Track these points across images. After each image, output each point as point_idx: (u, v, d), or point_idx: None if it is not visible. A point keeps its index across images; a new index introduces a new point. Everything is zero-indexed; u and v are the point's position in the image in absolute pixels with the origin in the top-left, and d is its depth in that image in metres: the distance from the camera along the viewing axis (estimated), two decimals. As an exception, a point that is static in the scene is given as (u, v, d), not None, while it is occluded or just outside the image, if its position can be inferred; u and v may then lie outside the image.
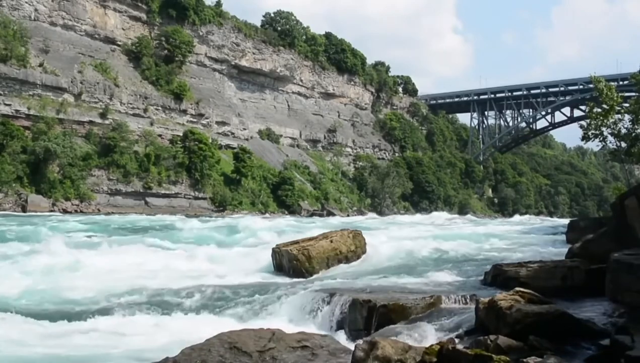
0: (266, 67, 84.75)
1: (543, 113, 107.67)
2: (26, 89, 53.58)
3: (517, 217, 72.33)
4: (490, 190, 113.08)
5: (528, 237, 25.57)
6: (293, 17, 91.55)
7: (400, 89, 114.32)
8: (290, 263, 14.01)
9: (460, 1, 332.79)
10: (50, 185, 50.63)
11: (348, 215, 69.74)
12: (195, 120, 70.78)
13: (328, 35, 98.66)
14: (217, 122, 74.64)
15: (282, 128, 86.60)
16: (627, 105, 31.12)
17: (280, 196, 71.16)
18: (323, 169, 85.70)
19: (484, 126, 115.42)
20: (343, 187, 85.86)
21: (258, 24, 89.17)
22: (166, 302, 10.99)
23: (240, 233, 26.45)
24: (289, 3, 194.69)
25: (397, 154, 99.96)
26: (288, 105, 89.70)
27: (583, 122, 30.95)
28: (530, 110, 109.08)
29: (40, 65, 55.72)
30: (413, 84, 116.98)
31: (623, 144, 27.82)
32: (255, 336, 8.01)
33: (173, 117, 68.12)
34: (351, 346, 7.13)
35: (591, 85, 47.76)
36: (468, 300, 9.18)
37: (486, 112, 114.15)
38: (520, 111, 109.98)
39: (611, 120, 27.02)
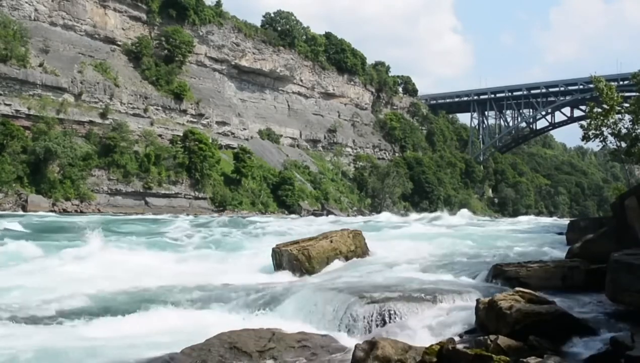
0: (266, 67, 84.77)
1: (543, 113, 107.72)
2: (26, 89, 53.60)
3: (522, 218, 71.68)
4: (490, 190, 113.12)
5: (528, 237, 25.54)
6: (293, 17, 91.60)
7: (400, 89, 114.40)
8: (290, 263, 14.00)
9: (458, 1, 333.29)
10: (50, 185, 50.64)
11: (348, 215, 69.69)
12: (195, 120, 70.81)
13: (328, 35, 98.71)
14: (217, 122, 74.67)
15: (282, 128, 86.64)
16: (627, 105, 31.13)
17: (280, 196, 71.17)
18: (323, 169, 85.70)
19: (484, 126, 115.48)
20: (343, 187, 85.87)
21: (258, 24, 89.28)
22: (165, 302, 10.98)
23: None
24: (288, 3, 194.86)
25: (397, 154, 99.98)
26: (288, 105, 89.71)
27: (583, 122, 30.95)
28: (530, 110, 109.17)
29: (40, 65, 55.74)
30: (413, 84, 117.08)
31: (623, 144, 27.86)
32: (255, 336, 8.02)
33: (173, 117, 68.14)
34: (351, 346, 7.13)
35: (591, 85, 47.81)
36: (468, 300, 9.18)
37: (486, 112, 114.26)
38: (520, 111, 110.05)
39: (611, 120, 27.07)
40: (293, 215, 64.45)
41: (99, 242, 18.41)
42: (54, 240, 20.08)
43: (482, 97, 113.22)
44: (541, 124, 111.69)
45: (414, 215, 58.17)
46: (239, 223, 32.31)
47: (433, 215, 55.88)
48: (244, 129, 79.70)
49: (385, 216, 56.80)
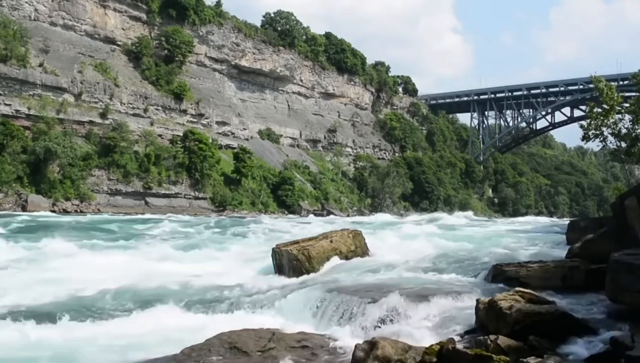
0: (266, 67, 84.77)
1: (543, 113, 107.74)
2: (26, 89, 53.59)
3: (519, 218, 71.78)
4: (490, 190, 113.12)
5: (528, 237, 25.54)
6: (293, 17, 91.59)
7: (400, 89, 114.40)
8: (290, 263, 13.99)
9: (458, 1, 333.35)
10: (50, 185, 50.64)
11: (348, 215, 69.72)
12: (195, 120, 70.80)
13: (328, 35, 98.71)
14: (217, 122, 74.67)
15: (282, 128, 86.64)
16: (627, 105, 31.13)
17: (280, 196, 71.17)
18: (323, 169, 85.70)
19: (484, 126, 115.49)
20: (343, 187, 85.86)
21: (258, 24, 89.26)
22: (165, 302, 10.98)
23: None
24: (288, 3, 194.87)
25: (397, 154, 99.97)
26: (288, 105, 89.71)
27: (583, 122, 30.92)
28: (531, 110, 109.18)
29: (40, 65, 55.73)
30: (413, 84, 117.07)
31: (623, 144, 27.84)
32: (255, 336, 8.03)
33: (173, 117, 68.13)
34: (351, 346, 7.13)
35: (591, 85, 47.80)
36: (468, 300, 9.18)
37: (486, 112, 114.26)
38: (520, 111, 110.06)
39: (611, 120, 27.05)
40: (291, 215, 64.49)
41: (67, 243, 18.25)
42: (19, 241, 19.72)
43: (482, 97, 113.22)
44: (541, 124, 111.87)
45: (412, 217, 58.00)
46: (224, 225, 32.22)
47: (429, 216, 55.92)
48: (244, 129, 79.69)
49: (375, 217, 56.75)
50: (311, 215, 61.57)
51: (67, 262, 15.31)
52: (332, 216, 63.30)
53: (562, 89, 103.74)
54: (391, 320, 8.59)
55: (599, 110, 27.62)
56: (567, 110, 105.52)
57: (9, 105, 51.78)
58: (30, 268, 14.74)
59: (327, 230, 17.26)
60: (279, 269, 14.33)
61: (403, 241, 20.24)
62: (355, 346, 6.75)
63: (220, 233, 26.60)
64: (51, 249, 17.56)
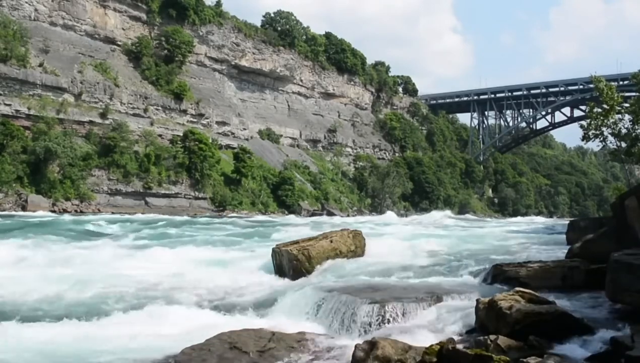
0: (266, 67, 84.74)
1: (543, 113, 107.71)
2: (26, 89, 53.56)
3: (511, 219, 71.96)
4: (490, 190, 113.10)
5: (528, 237, 25.55)
6: (293, 17, 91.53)
7: (400, 89, 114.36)
8: (290, 263, 13.99)
9: (458, 1, 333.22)
10: (50, 185, 50.62)
11: (348, 215, 69.71)
12: (195, 120, 70.77)
13: (328, 35, 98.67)
14: (217, 122, 74.64)
15: (282, 128, 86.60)
16: (627, 105, 31.13)
17: (281, 196, 71.14)
18: (323, 169, 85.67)
19: (484, 126, 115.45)
20: (343, 187, 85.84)
21: (258, 24, 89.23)
22: (165, 302, 10.98)
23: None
24: (288, 3, 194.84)
25: (397, 154, 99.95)
26: (288, 105, 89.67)
27: (583, 122, 30.89)
28: (530, 110, 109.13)
29: (40, 65, 55.70)
30: (413, 84, 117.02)
31: (623, 144, 27.83)
32: (255, 336, 8.03)
33: (173, 117, 68.09)
34: (351, 346, 7.13)
35: (591, 85, 47.76)
36: (468, 300, 9.18)
37: (486, 112, 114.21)
38: (520, 111, 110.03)
39: (611, 120, 27.03)
40: (290, 215, 64.43)
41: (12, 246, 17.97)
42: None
43: (482, 97, 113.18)
44: (541, 124, 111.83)
45: (399, 219, 57.98)
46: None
47: (421, 217, 55.98)
48: (244, 129, 79.66)
49: (381, 218, 56.73)
50: (307, 218, 61.54)
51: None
52: (329, 216, 63.23)
53: (562, 89, 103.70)
54: (391, 320, 8.59)
55: (599, 110, 27.61)
56: (567, 110, 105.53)
57: (9, 105, 51.74)
58: None
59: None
60: (279, 269, 14.33)
61: (403, 241, 20.23)
62: (355, 346, 6.75)
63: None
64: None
